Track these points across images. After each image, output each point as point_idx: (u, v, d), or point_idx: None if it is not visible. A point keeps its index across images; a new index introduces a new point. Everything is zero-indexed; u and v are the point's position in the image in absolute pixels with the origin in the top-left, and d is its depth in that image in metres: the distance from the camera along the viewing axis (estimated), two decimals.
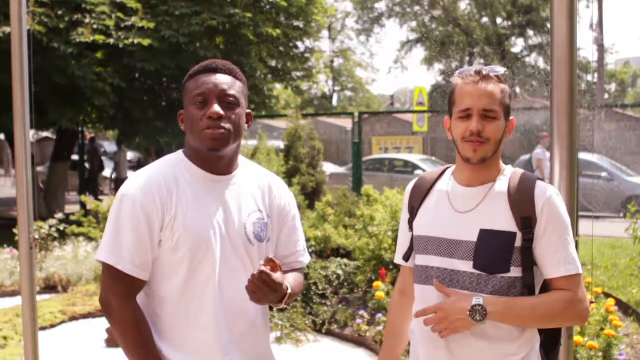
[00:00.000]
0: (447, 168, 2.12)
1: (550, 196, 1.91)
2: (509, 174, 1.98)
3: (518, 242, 1.89)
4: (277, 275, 1.83)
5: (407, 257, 2.13)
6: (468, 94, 1.93)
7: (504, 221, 1.90)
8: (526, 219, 1.89)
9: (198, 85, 1.95)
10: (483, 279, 1.90)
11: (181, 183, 1.94)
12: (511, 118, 1.98)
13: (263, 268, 1.80)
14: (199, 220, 1.91)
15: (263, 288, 1.81)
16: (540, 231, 1.89)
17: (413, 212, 2.10)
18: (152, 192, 1.89)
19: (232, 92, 1.95)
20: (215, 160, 1.97)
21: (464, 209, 1.96)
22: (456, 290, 1.92)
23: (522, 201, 1.90)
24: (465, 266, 1.92)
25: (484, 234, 1.91)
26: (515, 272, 1.89)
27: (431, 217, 2.03)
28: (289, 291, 1.91)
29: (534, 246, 1.89)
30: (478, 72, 1.94)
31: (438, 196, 2.04)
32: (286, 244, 2.13)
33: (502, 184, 1.96)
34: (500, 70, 1.96)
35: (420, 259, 2.04)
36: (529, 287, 1.90)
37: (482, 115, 1.91)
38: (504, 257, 1.89)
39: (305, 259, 2.19)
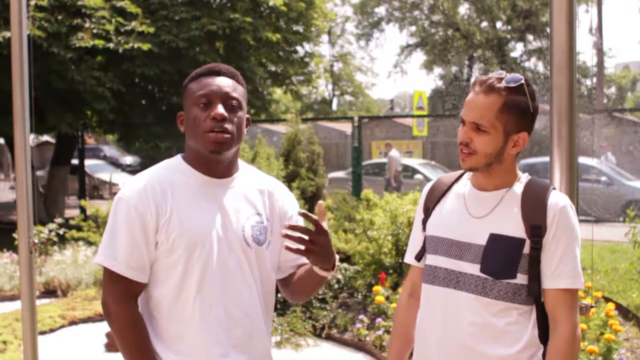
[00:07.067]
0: (465, 172, 2.11)
1: (563, 207, 1.89)
2: (524, 181, 1.97)
3: (526, 249, 1.88)
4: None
5: (418, 257, 2.12)
6: (467, 103, 1.93)
7: (514, 227, 1.90)
8: (536, 227, 1.87)
9: (201, 86, 1.95)
10: (489, 283, 1.90)
11: (178, 186, 1.95)
12: (520, 133, 1.91)
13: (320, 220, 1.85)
14: (195, 221, 1.91)
15: (320, 239, 1.86)
16: (548, 240, 1.88)
17: (427, 212, 2.10)
18: (146, 195, 1.90)
19: (235, 94, 1.96)
20: (215, 164, 1.98)
21: (478, 215, 1.96)
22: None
23: (534, 209, 1.89)
24: (473, 269, 1.92)
25: (493, 238, 1.90)
26: (522, 279, 1.89)
27: (444, 218, 2.03)
28: (337, 257, 1.98)
29: (541, 255, 1.88)
30: (483, 82, 1.91)
31: (454, 198, 2.04)
32: None
33: (516, 191, 1.95)
34: (515, 80, 1.88)
35: (429, 259, 2.04)
36: (534, 296, 1.90)
37: (473, 127, 1.91)
38: (511, 263, 1.88)
39: None
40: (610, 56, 39.60)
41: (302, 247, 1.85)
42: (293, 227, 1.84)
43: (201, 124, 1.92)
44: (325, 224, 1.89)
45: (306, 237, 1.84)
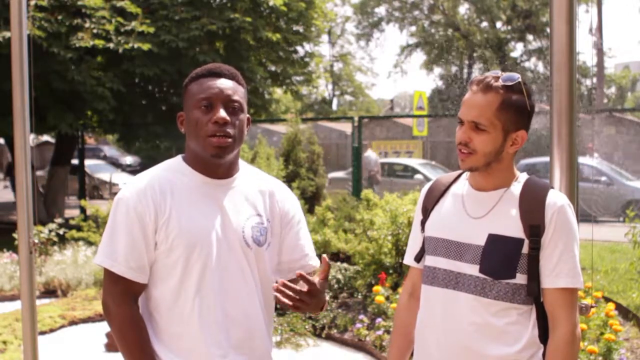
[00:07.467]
0: (464, 172, 2.11)
1: (561, 206, 1.89)
2: (522, 180, 1.97)
3: (525, 249, 1.88)
4: (320, 283, 1.81)
5: (418, 258, 2.12)
6: (464, 102, 1.93)
7: (513, 227, 1.89)
8: (534, 227, 1.87)
9: (203, 89, 1.94)
10: (488, 284, 1.90)
11: (177, 187, 1.95)
12: (518, 131, 1.92)
13: (306, 282, 1.77)
14: (194, 222, 1.91)
15: (309, 301, 1.79)
16: (547, 240, 1.87)
17: (426, 213, 2.10)
18: (145, 196, 1.91)
19: (236, 97, 1.96)
20: (216, 166, 1.98)
21: (476, 215, 1.95)
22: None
23: (532, 209, 1.89)
24: (472, 270, 1.92)
25: (492, 238, 1.90)
26: (521, 279, 1.89)
27: (443, 218, 2.03)
28: (326, 298, 1.89)
29: (540, 255, 1.88)
30: (480, 81, 1.92)
31: (452, 199, 2.04)
32: (293, 248, 2.11)
33: (515, 190, 1.94)
34: (512, 79, 1.89)
35: (428, 260, 2.04)
36: (533, 295, 1.89)
37: (471, 126, 1.91)
38: (510, 263, 1.88)
39: (315, 262, 2.15)
40: (610, 56, 39.64)
41: (290, 303, 1.78)
42: (286, 286, 1.78)
43: (203, 128, 1.92)
44: (321, 282, 1.82)
45: (297, 297, 1.78)
